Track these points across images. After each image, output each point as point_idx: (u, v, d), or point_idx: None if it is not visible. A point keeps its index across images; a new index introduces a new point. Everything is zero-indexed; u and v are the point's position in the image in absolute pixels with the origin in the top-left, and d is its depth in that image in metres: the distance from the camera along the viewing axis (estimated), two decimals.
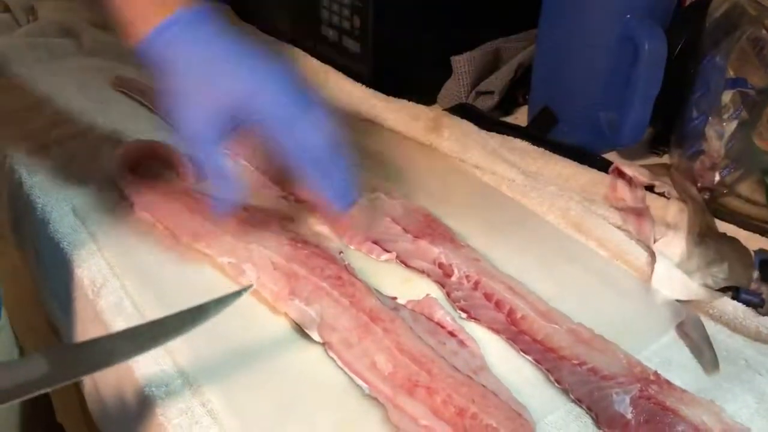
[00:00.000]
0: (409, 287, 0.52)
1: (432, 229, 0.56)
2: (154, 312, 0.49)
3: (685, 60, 0.64)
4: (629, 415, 0.41)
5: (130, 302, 0.50)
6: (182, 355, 0.46)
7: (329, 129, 0.48)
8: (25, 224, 0.64)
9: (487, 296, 0.50)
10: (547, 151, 0.66)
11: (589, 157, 0.67)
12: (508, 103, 0.78)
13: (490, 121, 0.71)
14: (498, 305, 0.49)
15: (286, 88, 0.47)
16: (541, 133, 0.69)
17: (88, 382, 0.52)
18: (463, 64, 0.75)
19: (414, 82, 0.76)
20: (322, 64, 0.77)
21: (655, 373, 0.44)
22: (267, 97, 0.47)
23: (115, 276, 0.52)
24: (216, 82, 0.47)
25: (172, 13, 0.47)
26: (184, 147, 0.55)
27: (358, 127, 0.72)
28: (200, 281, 0.51)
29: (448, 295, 0.51)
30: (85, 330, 0.53)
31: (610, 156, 0.69)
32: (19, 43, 0.84)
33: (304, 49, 0.80)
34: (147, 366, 0.45)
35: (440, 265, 0.53)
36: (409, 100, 0.73)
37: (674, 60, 0.63)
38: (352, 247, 0.56)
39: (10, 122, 0.71)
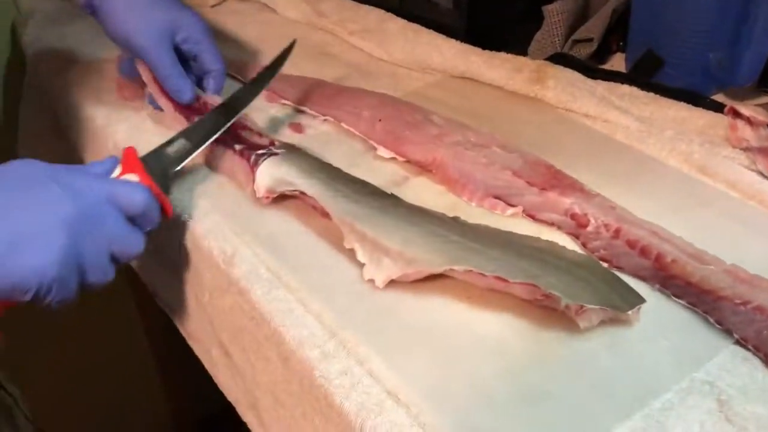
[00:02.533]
0: None
1: (558, 180, 0.54)
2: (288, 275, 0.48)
3: None
4: None
5: (265, 268, 0.50)
6: (329, 317, 0.45)
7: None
8: None
9: (630, 243, 0.48)
10: (658, 96, 0.64)
11: (699, 99, 0.64)
12: (601, 52, 0.75)
13: (591, 69, 0.69)
14: (643, 252, 0.48)
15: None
16: (646, 78, 0.67)
17: (234, 352, 0.52)
18: (555, 12, 0.72)
19: (506, 36, 0.74)
20: (409, 23, 0.75)
21: None
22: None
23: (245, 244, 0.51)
24: (153, 24, 0.61)
25: None
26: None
27: (455, 86, 0.70)
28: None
29: (584, 245, 0.50)
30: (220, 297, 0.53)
31: (717, 98, 0.66)
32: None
33: (387, 10, 0.78)
34: (296, 329, 0.45)
35: (573, 216, 0.52)
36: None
37: None
38: (473, 204, 0.55)
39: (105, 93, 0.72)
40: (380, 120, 0.62)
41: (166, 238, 0.58)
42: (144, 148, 0.63)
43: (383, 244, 0.48)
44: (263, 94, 0.70)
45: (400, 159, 0.60)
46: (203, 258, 0.54)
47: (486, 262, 0.45)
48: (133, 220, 0.47)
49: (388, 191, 0.55)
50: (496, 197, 0.54)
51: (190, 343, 0.62)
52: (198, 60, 0.64)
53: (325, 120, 0.66)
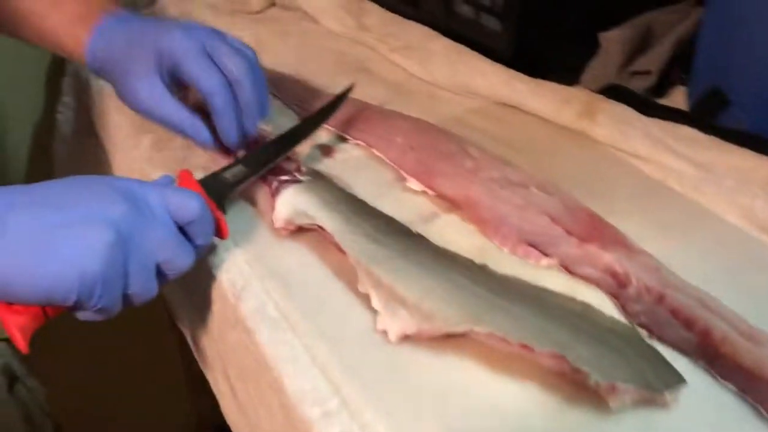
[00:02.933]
0: None
1: (600, 230, 0.50)
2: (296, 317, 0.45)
3: None
4: None
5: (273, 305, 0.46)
6: (335, 370, 0.42)
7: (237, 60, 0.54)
8: None
9: (675, 312, 0.43)
10: (720, 140, 0.58)
11: None
12: (661, 84, 0.70)
13: (647, 105, 0.64)
14: (688, 323, 0.43)
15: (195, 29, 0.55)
16: (709, 118, 0.61)
17: (227, 396, 0.49)
18: (613, 41, 0.67)
19: (556, 62, 0.69)
20: (454, 43, 0.71)
21: None
22: (180, 36, 0.53)
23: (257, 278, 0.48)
24: (144, 45, 0.54)
25: (98, 20, 0.57)
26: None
27: (497, 114, 0.66)
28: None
29: (623, 308, 0.45)
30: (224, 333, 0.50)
31: None
32: None
33: (433, 27, 0.74)
34: (299, 381, 0.41)
35: (613, 275, 0.47)
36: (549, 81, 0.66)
37: None
38: (505, 250, 0.50)
39: None
40: (413, 148, 0.58)
41: None
42: (167, 159, 0.61)
43: (400, 293, 0.44)
44: (297, 111, 0.67)
45: (431, 193, 0.56)
46: (214, 286, 0.51)
47: (511, 324, 0.41)
48: (185, 232, 0.45)
49: (415, 228, 0.51)
50: (531, 245, 0.50)
51: (202, 367, 0.60)
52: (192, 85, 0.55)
53: (356, 144, 0.62)
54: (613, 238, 0.49)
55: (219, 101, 0.53)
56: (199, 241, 0.46)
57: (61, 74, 0.82)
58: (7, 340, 0.71)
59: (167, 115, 0.54)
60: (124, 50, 0.55)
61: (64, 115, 0.82)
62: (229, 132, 0.54)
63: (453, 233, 0.52)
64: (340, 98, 0.62)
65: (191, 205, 0.44)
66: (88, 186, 0.42)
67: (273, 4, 0.88)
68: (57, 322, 0.43)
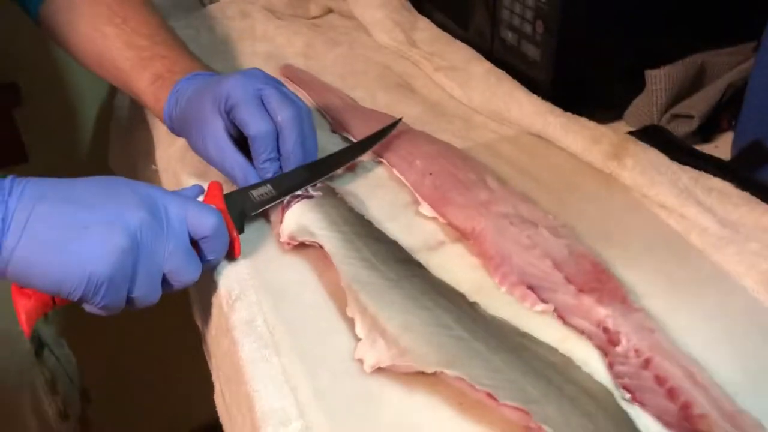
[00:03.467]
0: (564, 348, 0.45)
1: (601, 282, 0.48)
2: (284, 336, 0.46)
3: None
4: None
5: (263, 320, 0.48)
6: (305, 393, 0.43)
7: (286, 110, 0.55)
8: None
9: (659, 380, 0.42)
10: (754, 197, 0.55)
11: None
12: (707, 128, 0.67)
13: (684, 150, 0.61)
14: (671, 394, 0.41)
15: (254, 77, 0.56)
16: (748, 173, 0.58)
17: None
18: (659, 80, 0.65)
19: (597, 96, 0.67)
20: (495, 68, 0.70)
21: None
22: (238, 82, 0.55)
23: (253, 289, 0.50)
24: (209, 92, 0.56)
25: (176, 82, 0.60)
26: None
27: (528, 145, 0.65)
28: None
29: (610, 366, 0.44)
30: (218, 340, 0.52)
31: None
32: (197, 23, 0.85)
33: (479, 50, 0.73)
34: (268, 400, 0.42)
35: (605, 330, 0.45)
36: (591, 117, 0.65)
37: None
38: (503, 289, 0.50)
39: None
40: (431, 174, 0.58)
41: None
42: (196, 160, 0.63)
43: (381, 323, 0.44)
44: (330, 122, 0.68)
45: (442, 220, 0.56)
46: (214, 291, 0.53)
47: (483, 371, 0.41)
48: (198, 246, 0.48)
49: (419, 256, 0.51)
50: (530, 287, 0.49)
51: (207, 359, 0.62)
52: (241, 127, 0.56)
53: (379, 161, 0.63)
54: (612, 292, 0.48)
55: (261, 146, 0.54)
56: (210, 257, 0.49)
57: None
58: None
59: (236, 174, 0.56)
60: (192, 104, 0.57)
61: (121, 102, 0.86)
62: (266, 176, 0.56)
63: (455, 265, 0.52)
64: (384, 132, 0.61)
65: (208, 222, 0.47)
66: (116, 189, 0.45)
67: (331, 11, 0.89)
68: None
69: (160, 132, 0.72)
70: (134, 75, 0.63)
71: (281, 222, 0.54)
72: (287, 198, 0.55)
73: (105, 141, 0.92)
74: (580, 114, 0.65)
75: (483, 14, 0.71)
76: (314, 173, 0.57)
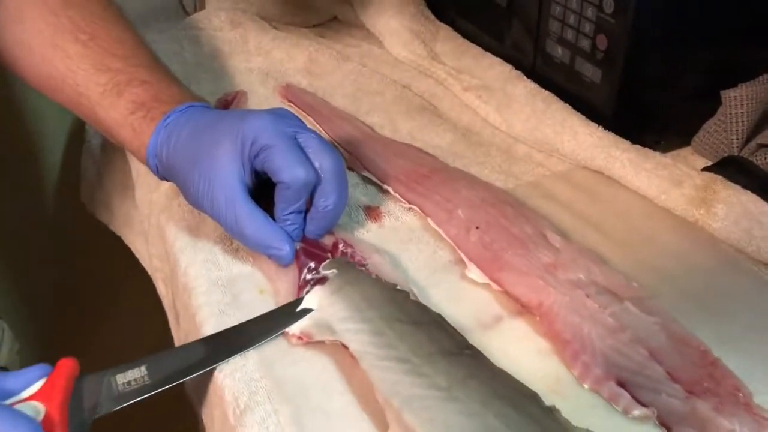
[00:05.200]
0: None
1: (716, 380, 0.38)
2: None
3: None
4: None
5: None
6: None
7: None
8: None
9: None
10: None
11: None
12: None
13: None
14: None
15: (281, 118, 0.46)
16: None
17: None
18: (740, 102, 0.54)
19: (663, 122, 0.56)
20: (540, 88, 0.59)
21: None
22: (270, 122, 0.45)
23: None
24: (225, 133, 0.45)
25: (164, 114, 0.48)
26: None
27: (585, 182, 0.54)
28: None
29: None
30: None
31: None
32: (180, 35, 0.73)
33: (517, 66, 0.62)
34: None
35: None
36: (655, 147, 0.54)
37: None
38: (586, 386, 0.39)
39: None
40: (477, 227, 0.47)
41: None
42: (184, 208, 0.52)
43: None
44: (346, 157, 0.57)
45: (495, 287, 0.45)
46: (216, 391, 0.41)
47: None
48: None
49: (471, 337, 0.41)
50: (620, 383, 0.38)
51: None
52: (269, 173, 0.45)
53: (410, 209, 0.52)
54: (732, 393, 0.37)
55: (293, 196, 0.44)
56: None
57: None
58: None
59: (249, 234, 0.44)
60: (195, 144, 0.46)
61: (94, 129, 0.74)
62: (291, 231, 0.46)
63: (519, 349, 0.42)
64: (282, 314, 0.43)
65: None
66: None
67: (335, 19, 0.78)
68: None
69: (140, 170, 0.61)
70: (106, 103, 0.50)
71: None
72: (305, 274, 0.43)
73: (76, 171, 0.80)
74: (643, 143, 0.54)
75: (524, 24, 0.60)
76: (217, 351, 0.41)
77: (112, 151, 0.74)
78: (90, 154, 0.77)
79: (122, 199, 0.74)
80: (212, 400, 0.42)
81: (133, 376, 0.39)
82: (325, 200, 0.45)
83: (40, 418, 0.35)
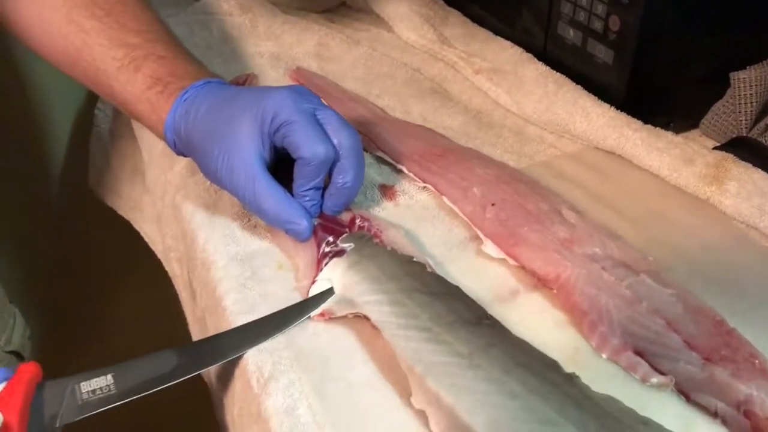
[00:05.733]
0: None
1: (732, 348, 0.38)
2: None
3: None
4: None
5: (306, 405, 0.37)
6: None
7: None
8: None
9: None
10: None
11: None
12: None
13: None
14: None
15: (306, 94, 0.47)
16: None
17: None
18: (749, 83, 0.55)
19: (674, 103, 0.57)
20: (551, 71, 0.60)
21: None
22: (291, 99, 0.45)
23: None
24: (244, 109, 0.45)
25: (182, 89, 0.48)
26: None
27: (597, 162, 0.55)
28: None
29: None
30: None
31: None
32: (190, 20, 0.74)
33: (527, 49, 0.63)
34: None
35: (748, 414, 0.36)
36: (666, 128, 0.55)
37: None
38: (604, 356, 0.40)
39: None
40: (493, 204, 0.48)
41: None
42: (199, 186, 0.52)
43: (463, 420, 0.34)
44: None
45: (512, 262, 0.45)
46: (237, 361, 0.42)
47: None
48: None
49: (490, 310, 0.41)
50: (638, 353, 0.39)
51: None
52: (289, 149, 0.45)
53: (424, 187, 0.52)
54: (749, 360, 0.38)
55: (312, 172, 0.45)
56: None
57: None
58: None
59: (268, 209, 0.45)
60: (214, 119, 0.46)
61: (103, 113, 0.74)
62: (307, 205, 0.46)
63: (537, 321, 0.42)
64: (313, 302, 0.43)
65: None
66: None
67: (343, 4, 0.78)
68: None
69: (153, 151, 0.61)
70: (122, 78, 0.50)
71: (310, 287, 0.43)
72: (324, 247, 0.44)
73: (83, 156, 0.80)
74: (654, 124, 0.55)
75: (534, 7, 0.61)
76: (188, 362, 0.39)
77: (121, 135, 0.74)
78: (99, 139, 0.77)
79: (132, 183, 0.74)
80: (232, 372, 0.42)
81: (98, 384, 0.37)
82: (344, 177, 0.46)
83: None
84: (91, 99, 0.76)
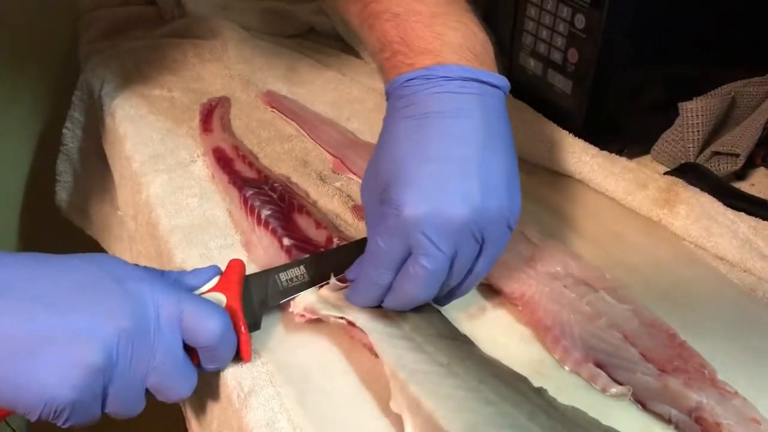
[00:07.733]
0: None
1: (683, 359, 0.41)
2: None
3: None
4: None
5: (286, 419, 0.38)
6: None
7: None
8: None
9: None
10: None
11: None
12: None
13: (731, 194, 0.55)
14: None
15: None
16: None
17: None
18: (696, 113, 0.59)
19: (627, 130, 0.61)
20: (514, 99, 0.63)
21: None
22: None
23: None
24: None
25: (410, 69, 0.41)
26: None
27: (560, 186, 0.58)
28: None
29: None
30: None
31: None
32: (162, 43, 0.75)
33: None
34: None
35: (699, 420, 0.39)
36: (620, 153, 0.58)
37: None
38: (566, 368, 0.42)
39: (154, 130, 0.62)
40: None
41: None
42: (179, 205, 0.53)
43: (441, 425, 0.36)
44: (332, 161, 0.59)
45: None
46: (217, 380, 0.43)
47: None
48: (195, 352, 0.39)
49: (460, 327, 0.43)
50: (598, 365, 0.42)
51: None
52: None
53: None
54: (699, 371, 0.41)
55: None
56: (209, 367, 0.40)
57: (72, 85, 0.74)
58: None
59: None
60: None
61: (71, 132, 0.74)
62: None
63: (504, 337, 0.45)
64: None
65: (209, 329, 0.38)
66: (98, 285, 0.36)
67: (312, 30, 0.80)
68: None
69: (125, 171, 0.62)
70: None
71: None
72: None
73: (50, 176, 0.80)
74: (610, 150, 0.58)
75: (499, 38, 0.64)
76: (356, 254, 0.43)
77: (90, 155, 0.75)
78: (67, 158, 0.77)
79: (101, 203, 0.74)
80: (215, 391, 0.43)
81: (294, 274, 0.44)
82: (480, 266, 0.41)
83: (222, 306, 0.40)
84: (60, 117, 0.76)
